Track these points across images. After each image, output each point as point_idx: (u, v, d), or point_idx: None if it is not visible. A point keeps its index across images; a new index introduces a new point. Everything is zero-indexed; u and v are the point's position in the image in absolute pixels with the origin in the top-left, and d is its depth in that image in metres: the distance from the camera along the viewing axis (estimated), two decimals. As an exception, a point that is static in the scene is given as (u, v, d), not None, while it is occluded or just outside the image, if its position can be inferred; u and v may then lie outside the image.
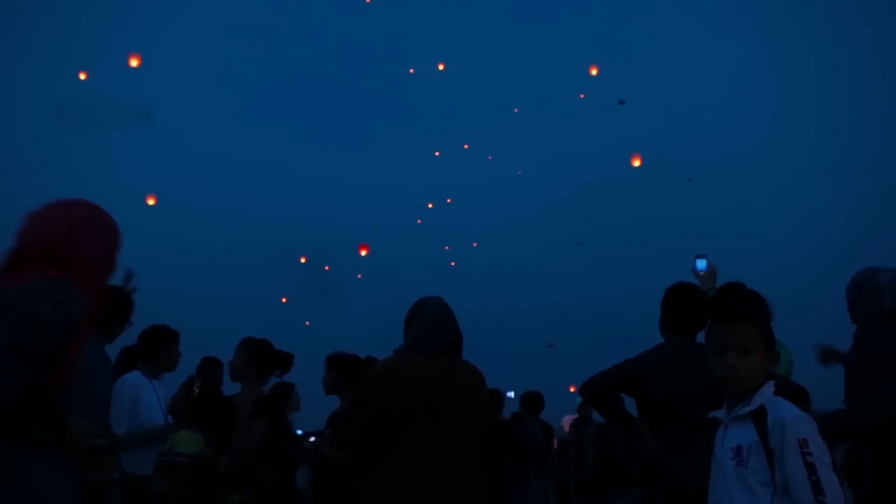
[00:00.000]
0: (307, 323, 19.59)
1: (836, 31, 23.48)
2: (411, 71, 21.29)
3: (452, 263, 21.53)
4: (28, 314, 2.01)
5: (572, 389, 11.23)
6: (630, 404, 3.27)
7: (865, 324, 3.22)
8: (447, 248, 21.81)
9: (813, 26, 23.70)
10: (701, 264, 3.74)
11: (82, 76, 16.25)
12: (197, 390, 3.65)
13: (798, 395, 2.99)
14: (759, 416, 2.04)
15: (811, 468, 1.90)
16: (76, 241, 2.20)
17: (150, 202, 16.25)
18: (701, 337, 3.29)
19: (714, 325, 2.20)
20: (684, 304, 3.23)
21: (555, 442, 8.42)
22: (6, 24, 23.41)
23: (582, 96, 18.89)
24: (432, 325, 2.96)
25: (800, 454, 1.92)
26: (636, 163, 15.41)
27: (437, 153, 22.91)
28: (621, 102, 16.52)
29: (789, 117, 23.52)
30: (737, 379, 2.09)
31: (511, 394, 8.49)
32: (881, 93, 22.36)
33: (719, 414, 2.19)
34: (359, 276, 21.55)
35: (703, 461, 2.84)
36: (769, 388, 2.10)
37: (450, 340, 2.97)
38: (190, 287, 21.01)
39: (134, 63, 14.04)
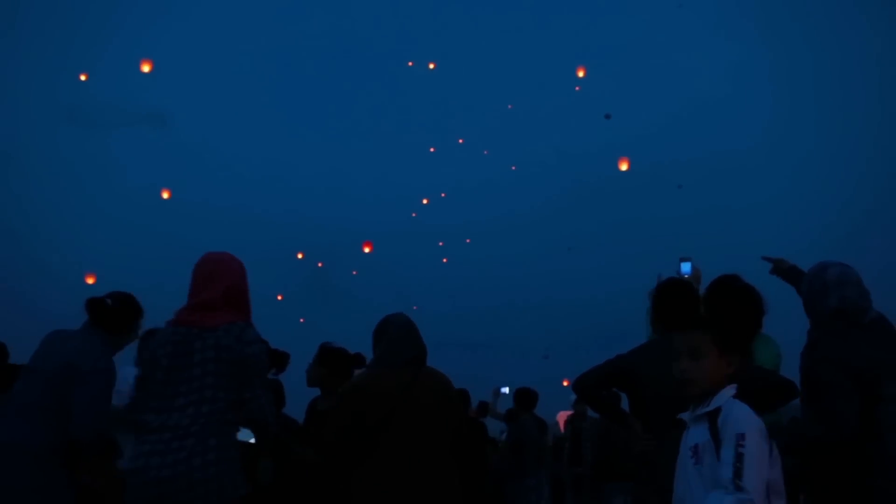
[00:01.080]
0: (301, 320, 19.58)
1: (831, 28, 23.55)
2: (409, 64, 21.23)
3: (444, 260, 21.55)
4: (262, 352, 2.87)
5: (565, 383, 11.26)
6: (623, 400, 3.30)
7: (815, 324, 3.12)
8: (441, 244, 21.84)
9: (808, 24, 23.77)
10: (685, 267, 3.72)
11: (83, 77, 16.44)
12: None
13: (786, 389, 3.01)
14: (714, 417, 2.17)
15: (739, 457, 2.04)
16: (246, 289, 3.01)
17: (165, 195, 16.42)
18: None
19: (674, 331, 2.38)
20: (675, 299, 3.24)
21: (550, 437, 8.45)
22: (18, 29, 23.39)
23: (577, 88, 18.92)
24: (398, 340, 3.34)
25: (734, 446, 2.06)
26: (623, 166, 15.56)
27: (432, 149, 22.90)
28: (607, 117, 16.70)
29: (785, 114, 23.60)
30: (690, 383, 2.26)
31: (506, 389, 8.50)
32: (876, 90, 22.46)
33: (685, 416, 2.32)
34: (353, 272, 21.56)
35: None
36: (729, 390, 2.23)
37: (415, 353, 3.34)
38: (183, 282, 20.96)
39: (146, 69, 14.11)
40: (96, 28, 24.77)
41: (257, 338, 2.87)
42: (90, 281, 14.84)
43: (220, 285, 2.91)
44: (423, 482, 3.10)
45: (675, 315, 3.20)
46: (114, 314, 3.47)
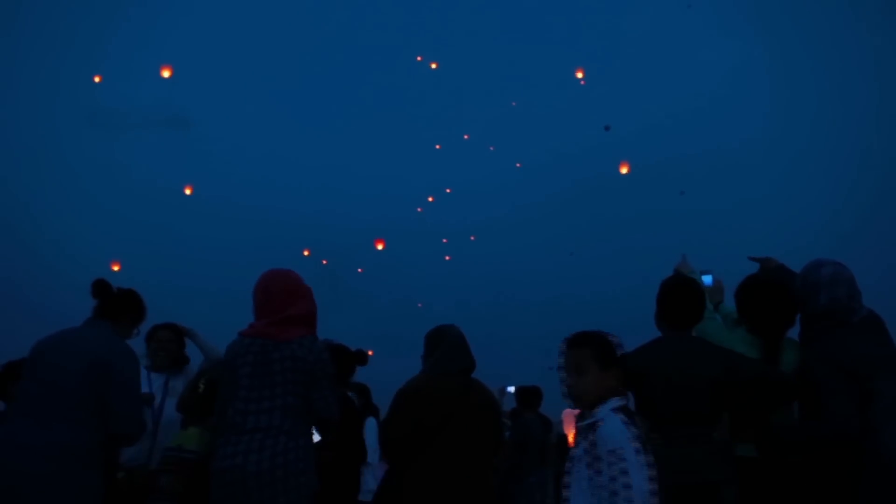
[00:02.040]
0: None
1: (828, 25, 23.49)
2: (419, 59, 21.19)
3: (447, 258, 21.58)
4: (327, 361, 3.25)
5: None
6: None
7: (805, 323, 3.14)
8: (445, 241, 21.86)
9: (806, 20, 23.71)
10: (707, 280, 3.73)
11: (97, 79, 16.59)
12: (202, 387, 3.67)
13: (786, 388, 3.01)
14: (593, 429, 2.40)
15: (623, 473, 2.25)
16: (315, 308, 3.36)
17: (187, 191, 16.57)
18: (697, 331, 3.32)
19: (560, 350, 2.63)
20: (680, 298, 3.23)
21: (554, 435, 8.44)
22: (38, 33, 23.53)
23: (583, 83, 18.95)
24: (453, 350, 3.64)
25: (615, 461, 2.28)
26: (623, 170, 15.63)
27: (437, 146, 22.89)
28: (607, 128, 16.81)
29: (783, 111, 23.54)
30: (575, 396, 2.53)
31: (511, 388, 8.50)
32: (874, 86, 22.40)
33: (578, 426, 2.55)
34: (359, 269, 21.59)
35: (700, 454, 2.88)
36: (610, 403, 2.46)
37: (467, 364, 3.66)
38: (192, 281, 21.06)
39: (166, 74, 14.19)
40: (117, 33, 24.85)
41: (324, 347, 3.29)
42: (115, 268, 14.95)
43: (302, 306, 3.30)
44: (471, 482, 3.39)
45: (680, 313, 3.20)
46: (118, 301, 3.49)
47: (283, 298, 3.29)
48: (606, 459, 2.29)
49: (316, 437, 3.29)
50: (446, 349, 3.63)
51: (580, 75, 17.06)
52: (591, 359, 2.53)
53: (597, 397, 2.48)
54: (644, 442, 2.38)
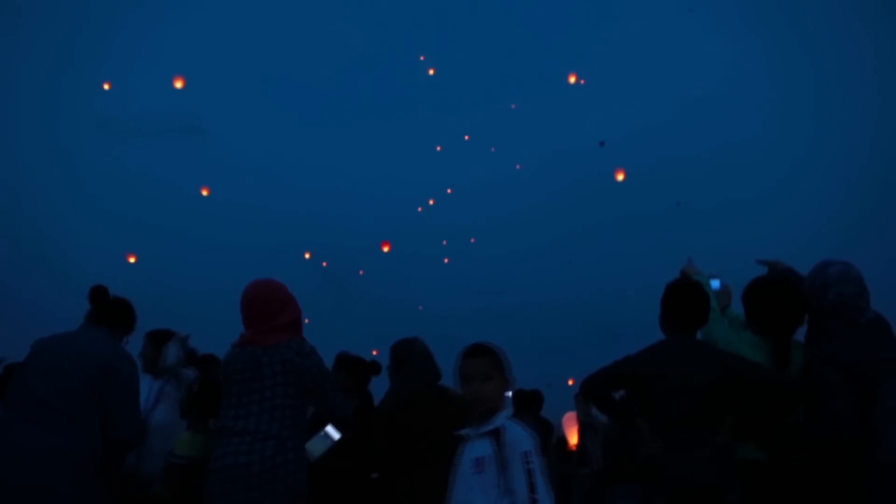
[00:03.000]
0: (307, 320, 19.52)
1: (828, 22, 23.49)
2: (422, 58, 21.18)
3: (446, 260, 21.56)
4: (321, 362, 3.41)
5: (570, 382, 11.24)
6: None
7: (812, 323, 3.14)
8: (444, 242, 21.83)
9: (805, 18, 23.72)
10: (715, 284, 3.71)
11: (106, 86, 16.64)
12: (196, 388, 3.67)
13: (793, 392, 2.99)
14: (497, 434, 2.55)
15: (530, 474, 2.42)
16: (300, 314, 3.52)
17: (204, 193, 16.64)
18: (704, 334, 3.29)
19: (460, 360, 2.75)
20: (685, 300, 3.21)
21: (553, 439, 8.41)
22: (43, 36, 23.61)
23: (583, 82, 18.97)
24: (422, 363, 3.84)
25: (522, 463, 2.44)
26: (619, 177, 15.72)
27: (438, 148, 22.89)
28: (602, 144, 16.93)
29: (783, 109, 23.54)
30: (480, 402, 2.66)
31: (509, 393, 8.46)
32: (874, 85, 22.39)
33: (466, 431, 2.70)
34: (360, 272, 21.56)
35: (702, 458, 2.87)
36: (508, 412, 2.68)
37: (435, 375, 3.85)
38: (191, 283, 21.05)
39: (178, 84, 14.19)
40: (121, 34, 24.84)
41: (312, 349, 3.40)
42: (132, 259, 14.96)
43: (287, 313, 3.44)
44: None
45: (684, 316, 3.18)
46: (114, 309, 3.49)
47: (268, 308, 3.42)
48: (520, 460, 2.44)
49: (336, 436, 3.36)
50: (415, 364, 3.83)
51: (573, 80, 17.17)
52: (497, 367, 2.70)
53: (497, 403, 2.66)
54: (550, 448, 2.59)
